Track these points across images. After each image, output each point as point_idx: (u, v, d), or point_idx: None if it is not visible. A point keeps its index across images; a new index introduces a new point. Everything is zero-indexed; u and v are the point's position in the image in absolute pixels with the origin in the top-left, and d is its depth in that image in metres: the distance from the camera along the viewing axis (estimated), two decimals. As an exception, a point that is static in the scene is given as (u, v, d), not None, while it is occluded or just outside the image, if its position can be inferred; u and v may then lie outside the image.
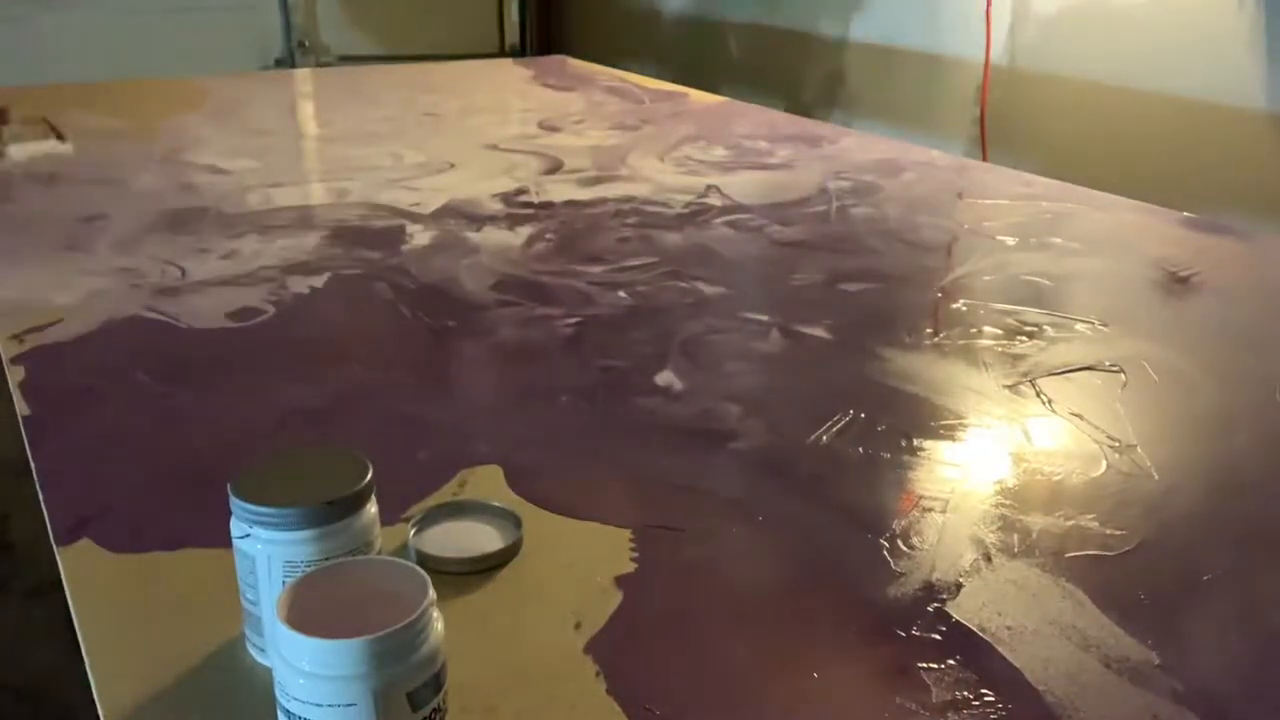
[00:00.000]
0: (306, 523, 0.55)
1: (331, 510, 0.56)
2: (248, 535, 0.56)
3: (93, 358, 0.97)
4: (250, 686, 0.57)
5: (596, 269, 1.22)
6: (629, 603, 0.64)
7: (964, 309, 1.12)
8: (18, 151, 1.79)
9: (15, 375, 0.92)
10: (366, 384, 0.93)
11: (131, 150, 1.74)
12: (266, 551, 0.56)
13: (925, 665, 0.59)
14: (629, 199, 1.50)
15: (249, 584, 0.57)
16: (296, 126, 2.09)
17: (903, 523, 0.72)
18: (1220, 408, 0.92)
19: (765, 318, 1.09)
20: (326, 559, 0.56)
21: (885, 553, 0.69)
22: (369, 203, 1.46)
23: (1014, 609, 0.64)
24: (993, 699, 0.56)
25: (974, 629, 0.62)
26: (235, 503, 0.56)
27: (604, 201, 1.49)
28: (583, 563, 0.68)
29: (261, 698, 0.56)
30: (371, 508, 0.59)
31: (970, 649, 0.60)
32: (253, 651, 0.58)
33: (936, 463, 0.81)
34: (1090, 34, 2.48)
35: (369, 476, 0.58)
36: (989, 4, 2.61)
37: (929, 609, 0.64)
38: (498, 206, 1.46)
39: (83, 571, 0.66)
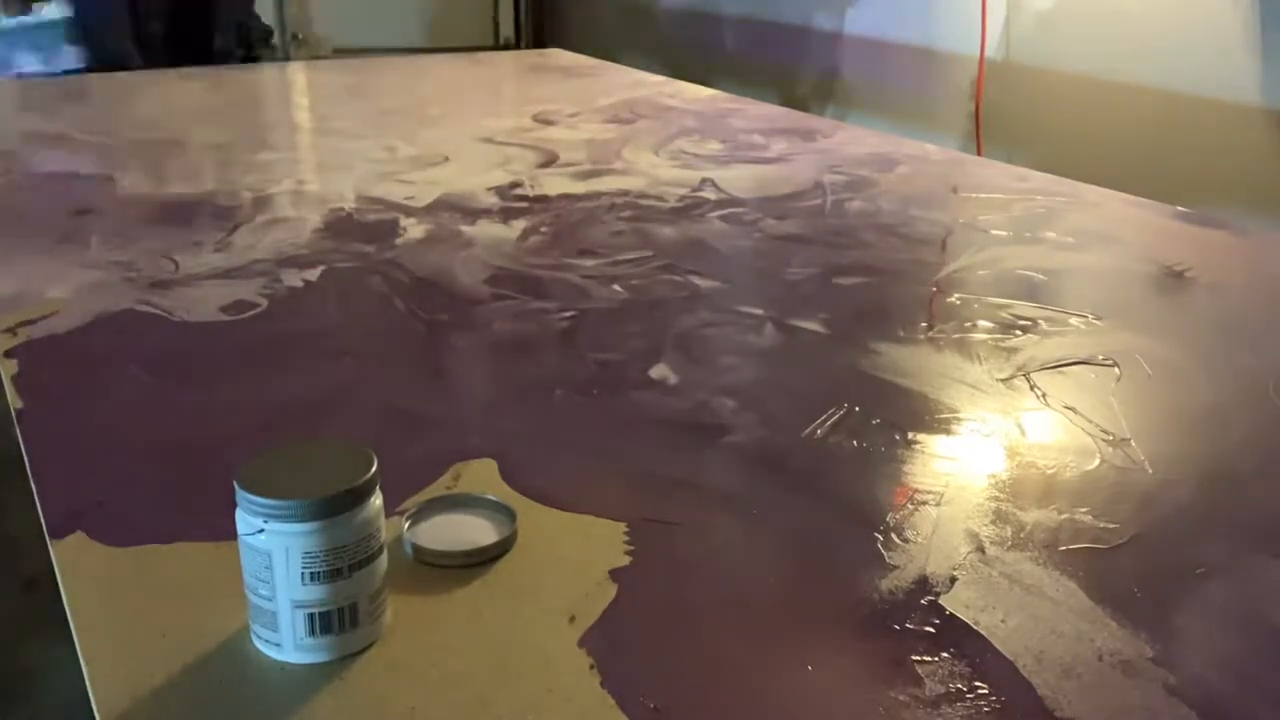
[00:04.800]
0: (325, 512, 0.55)
1: (349, 497, 0.56)
2: (261, 531, 0.56)
3: (86, 351, 0.97)
4: (247, 679, 0.57)
5: (591, 262, 1.22)
6: (623, 596, 0.64)
7: (958, 303, 1.12)
8: None
9: (9, 368, 0.92)
10: (360, 378, 0.93)
11: (123, 144, 1.73)
12: (284, 544, 0.55)
13: (919, 658, 0.59)
14: (624, 192, 1.50)
15: (262, 579, 0.57)
16: (290, 119, 2.09)
17: (897, 516, 0.73)
18: (1214, 402, 0.92)
19: (760, 312, 1.09)
20: (342, 546, 0.56)
21: (879, 546, 0.69)
22: (363, 196, 1.45)
23: (1007, 602, 0.64)
24: (986, 691, 0.57)
25: (968, 622, 0.62)
26: (247, 498, 0.56)
27: (598, 195, 1.49)
28: (577, 556, 0.68)
29: (258, 691, 0.56)
30: (379, 494, 0.59)
31: (964, 642, 0.60)
32: (260, 646, 0.58)
33: (931, 456, 0.81)
34: (1085, 28, 2.48)
35: (375, 461, 0.58)
36: (984, -2, 2.61)
37: (923, 602, 0.64)
38: (492, 200, 1.45)
39: (76, 565, 0.66)
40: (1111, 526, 0.72)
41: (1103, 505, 0.75)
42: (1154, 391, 0.94)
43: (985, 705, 0.56)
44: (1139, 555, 0.69)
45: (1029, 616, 0.63)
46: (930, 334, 1.04)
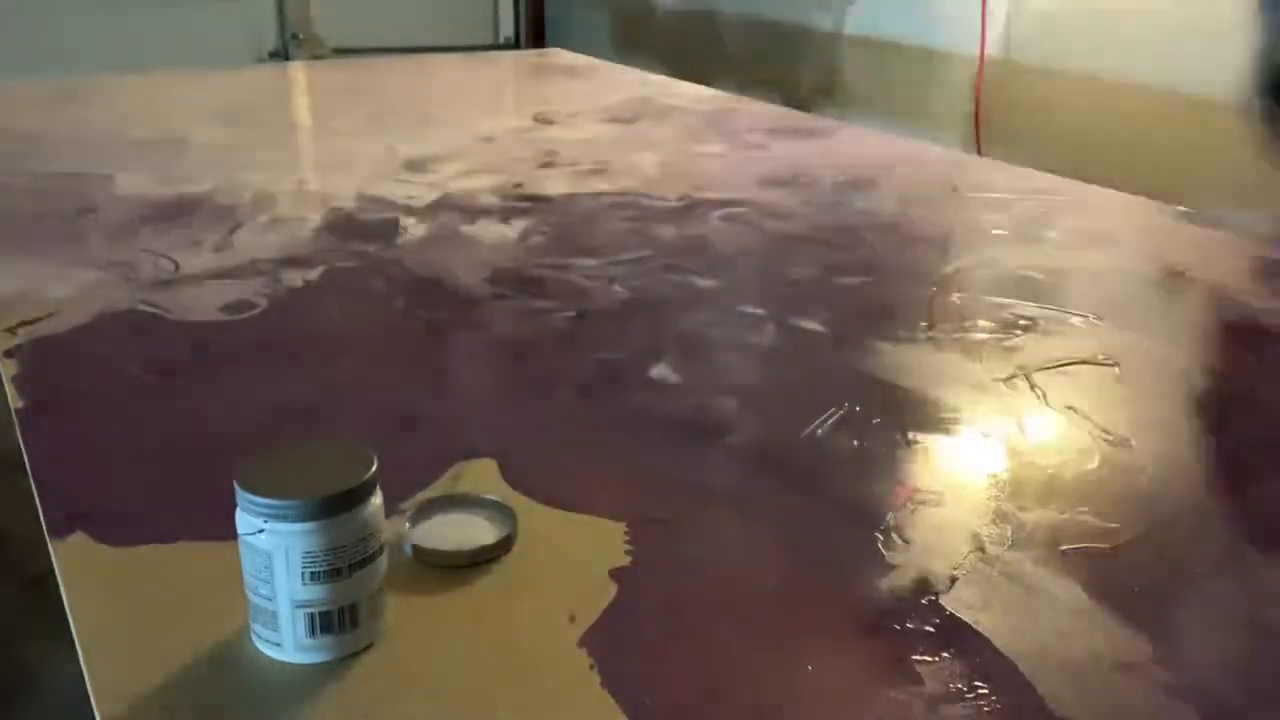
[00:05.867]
0: (324, 512, 0.55)
1: (349, 497, 0.56)
2: (261, 531, 0.56)
3: (86, 351, 0.97)
4: (247, 680, 0.57)
5: (591, 262, 1.22)
6: (623, 596, 0.64)
7: (959, 302, 1.12)
8: None
9: (9, 368, 0.92)
10: (360, 377, 0.93)
11: (122, 144, 1.73)
12: (284, 544, 0.55)
13: (919, 658, 0.59)
14: (624, 192, 1.50)
15: (262, 579, 0.57)
16: (290, 119, 2.09)
17: (897, 516, 0.73)
18: (1214, 401, 0.92)
19: (760, 311, 1.09)
20: (342, 546, 0.56)
21: (880, 545, 0.69)
22: (363, 195, 1.45)
23: (1008, 602, 0.64)
24: (986, 691, 0.57)
25: (968, 622, 0.62)
26: (247, 498, 0.56)
27: (599, 195, 1.49)
28: (577, 556, 0.68)
29: (257, 691, 0.56)
30: (379, 494, 0.59)
31: (964, 641, 0.60)
32: (261, 646, 0.58)
33: (931, 456, 0.81)
34: (1085, 27, 2.48)
35: (375, 461, 0.58)
36: (984, -3, 2.61)
37: (923, 601, 0.64)
38: (492, 200, 1.45)
39: (76, 564, 0.66)
40: (1112, 526, 0.72)
41: (1103, 505, 0.75)
42: (1154, 391, 0.93)
43: (985, 705, 0.56)
44: (1140, 555, 0.69)
45: (1029, 616, 0.63)
46: (931, 334, 1.04)
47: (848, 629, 0.62)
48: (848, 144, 1.85)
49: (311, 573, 0.56)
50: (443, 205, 1.42)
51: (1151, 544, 0.71)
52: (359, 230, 1.31)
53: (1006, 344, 1.02)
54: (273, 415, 0.85)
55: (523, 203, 1.44)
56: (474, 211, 1.40)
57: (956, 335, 1.04)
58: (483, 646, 0.59)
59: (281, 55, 4.15)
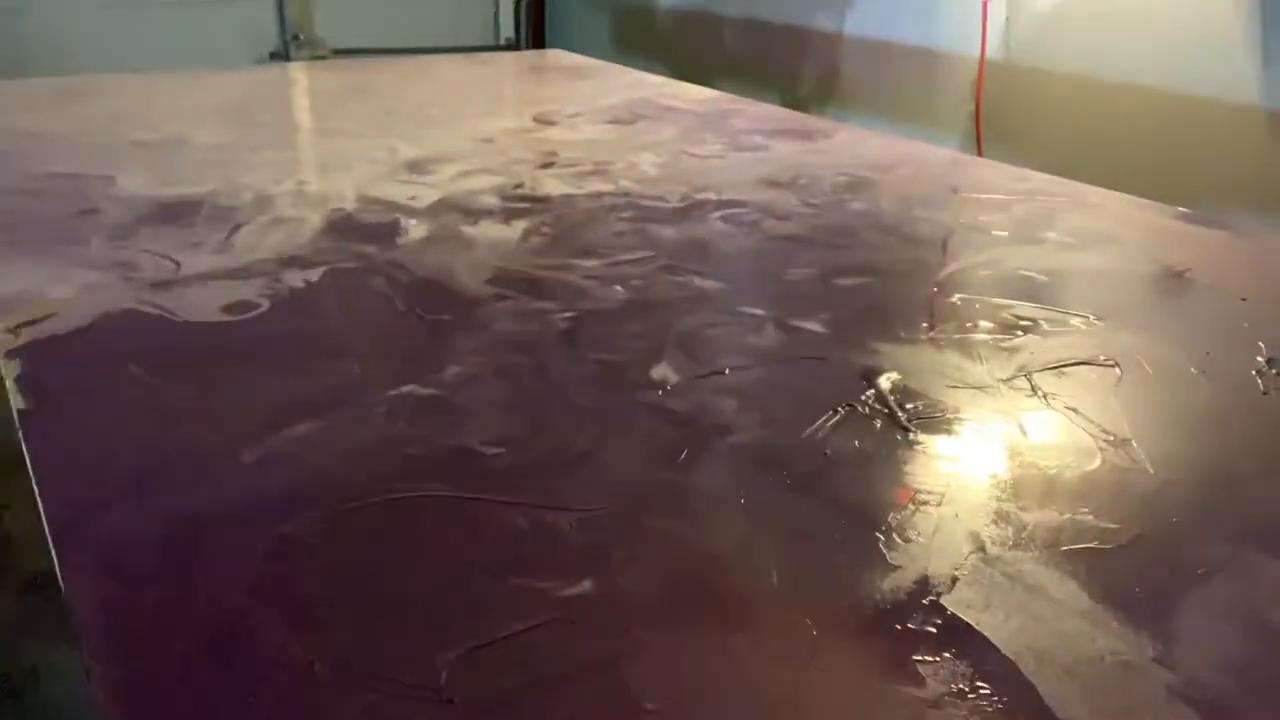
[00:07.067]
0: None
1: None
2: None
3: (88, 351, 0.97)
4: (247, 679, 0.57)
5: (592, 263, 1.22)
6: (622, 595, 0.64)
7: (959, 303, 1.12)
8: None
9: (10, 369, 0.92)
10: (361, 378, 0.93)
11: (123, 144, 1.73)
12: None
13: (920, 658, 0.59)
14: (624, 193, 1.50)
15: None
16: (291, 120, 2.09)
17: (899, 516, 0.73)
18: (1214, 402, 0.92)
19: (761, 312, 1.09)
20: None
21: (881, 546, 0.69)
22: (364, 196, 1.45)
23: (1009, 602, 0.64)
24: (988, 691, 0.57)
25: (969, 622, 0.62)
26: None
27: (599, 195, 1.49)
28: (577, 555, 0.68)
29: (257, 690, 0.56)
30: None
31: (965, 642, 0.60)
32: None
33: (932, 457, 0.81)
34: (1085, 29, 2.48)
35: None
36: (984, -2, 2.62)
37: (924, 602, 0.64)
38: (493, 200, 1.45)
39: (76, 565, 0.66)
40: (1113, 526, 0.72)
41: (1104, 505, 0.75)
42: (1155, 391, 0.94)
43: (987, 705, 0.56)
44: (1140, 555, 0.69)
45: (1030, 616, 0.63)
46: (931, 334, 1.04)
47: (849, 629, 0.62)
48: (848, 144, 1.85)
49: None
50: (443, 206, 1.42)
51: (1152, 544, 0.71)
52: (360, 231, 1.31)
53: (1007, 345, 1.02)
54: (273, 415, 0.85)
55: (523, 203, 1.44)
56: (474, 212, 1.40)
57: (957, 336, 1.04)
58: (483, 648, 0.59)
59: (282, 56, 4.15)
